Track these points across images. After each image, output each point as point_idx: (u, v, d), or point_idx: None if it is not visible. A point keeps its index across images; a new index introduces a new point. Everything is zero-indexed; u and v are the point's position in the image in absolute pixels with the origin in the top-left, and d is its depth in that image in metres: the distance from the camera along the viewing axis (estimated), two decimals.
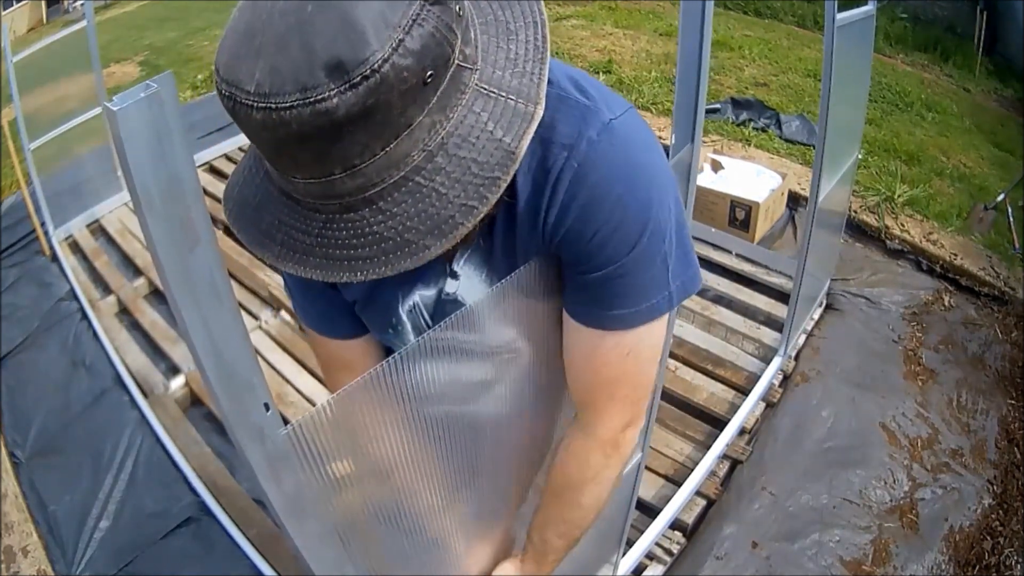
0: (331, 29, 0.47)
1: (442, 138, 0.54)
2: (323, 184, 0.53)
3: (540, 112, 0.56)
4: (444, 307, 0.76)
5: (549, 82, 0.60)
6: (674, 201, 0.69)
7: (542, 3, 0.62)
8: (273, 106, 0.48)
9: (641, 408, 0.82)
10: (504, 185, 0.55)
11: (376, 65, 0.47)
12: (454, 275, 0.75)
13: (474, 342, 0.75)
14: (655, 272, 0.69)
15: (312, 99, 0.47)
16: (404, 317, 0.78)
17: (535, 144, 0.57)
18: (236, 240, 0.66)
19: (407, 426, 0.76)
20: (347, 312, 0.83)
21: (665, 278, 0.70)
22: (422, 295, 0.77)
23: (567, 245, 0.67)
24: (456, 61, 0.54)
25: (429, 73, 0.51)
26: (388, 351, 0.83)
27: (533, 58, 0.58)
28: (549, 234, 0.67)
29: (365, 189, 0.54)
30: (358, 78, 0.47)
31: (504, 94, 0.56)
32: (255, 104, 0.48)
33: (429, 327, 0.78)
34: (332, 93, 0.47)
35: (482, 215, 0.54)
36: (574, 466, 0.85)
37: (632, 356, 0.74)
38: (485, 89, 0.56)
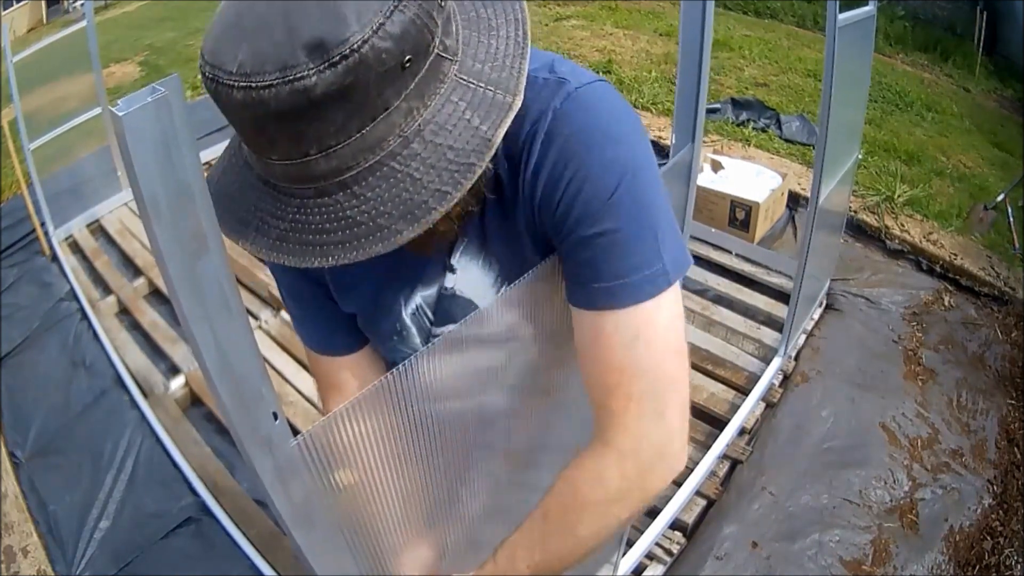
0: (315, 13, 0.49)
1: (419, 124, 0.55)
2: (299, 165, 0.54)
3: (518, 103, 0.57)
4: (443, 303, 0.76)
5: None
6: (652, 173, 0.66)
7: (524, 2, 0.63)
8: (253, 85, 0.49)
9: (672, 418, 0.70)
10: (479, 171, 0.55)
11: (355, 45, 0.49)
12: (451, 269, 0.75)
13: (480, 343, 0.75)
14: (642, 241, 0.64)
15: (291, 77, 0.49)
16: (408, 321, 0.78)
17: (511, 126, 0.57)
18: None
19: (408, 436, 0.75)
20: (345, 327, 0.83)
21: (655, 249, 0.64)
22: (423, 296, 0.77)
23: (545, 207, 0.65)
24: (436, 50, 0.55)
25: (408, 58, 0.52)
26: (389, 368, 0.82)
27: (513, 53, 0.59)
28: (527, 198, 0.66)
29: (340, 172, 0.54)
30: (337, 57, 0.49)
31: (483, 85, 0.57)
32: (235, 84, 0.50)
33: (432, 324, 0.78)
34: (311, 72, 0.49)
35: (455, 200, 0.54)
36: (585, 482, 0.70)
37: (642, 342, 0.66)
38: (464, 80, 0.57)
